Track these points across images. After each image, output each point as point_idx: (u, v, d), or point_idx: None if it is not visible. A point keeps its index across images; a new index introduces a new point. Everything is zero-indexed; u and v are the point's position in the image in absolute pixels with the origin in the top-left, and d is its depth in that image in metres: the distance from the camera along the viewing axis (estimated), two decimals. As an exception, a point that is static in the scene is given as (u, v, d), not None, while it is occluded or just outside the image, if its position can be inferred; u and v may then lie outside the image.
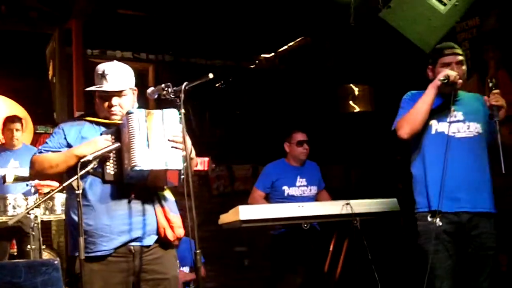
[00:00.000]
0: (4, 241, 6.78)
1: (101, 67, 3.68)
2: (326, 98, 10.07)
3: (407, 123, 4.21)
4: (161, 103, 3.65)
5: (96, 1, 7.93)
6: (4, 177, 6.29)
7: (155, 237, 3.63)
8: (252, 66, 10.50)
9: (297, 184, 6.25)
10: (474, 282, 4.12)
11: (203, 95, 9.40)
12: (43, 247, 6.31)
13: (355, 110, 9.88)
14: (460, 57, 4.28)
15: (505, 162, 3.99)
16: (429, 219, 4.14)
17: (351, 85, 9.88)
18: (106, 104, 3.64)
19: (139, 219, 3.58)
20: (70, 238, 3.69)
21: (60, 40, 8.46)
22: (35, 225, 6.34)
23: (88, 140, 3.59)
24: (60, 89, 8.44)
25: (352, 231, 5.45)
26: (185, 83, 3.52)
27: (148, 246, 3.61)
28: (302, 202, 5.70)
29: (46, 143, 3.70)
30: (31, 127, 8.60)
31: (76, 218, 3.48)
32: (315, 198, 6.35)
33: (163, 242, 3.67)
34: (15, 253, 6.92)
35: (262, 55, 10.44)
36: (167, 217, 3.67)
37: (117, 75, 3.65)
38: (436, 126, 4.23)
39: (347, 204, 5.32)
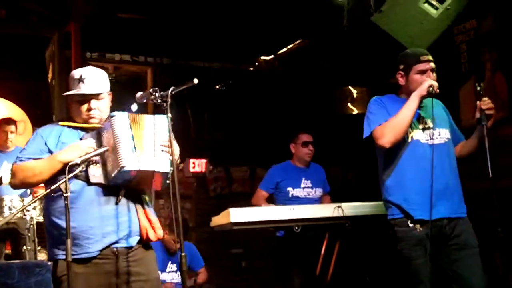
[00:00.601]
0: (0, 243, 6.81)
1: (77, 72, 3.70)
2: (324, 100, 10.09)
3: (391, 131, 4.10)
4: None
5: (95, 5, 7.97)
6: (0, 179, 6.33)
7: (137, 238, 3.64)
8: (251, 69, 10.54)
9: (302, 185, 6.29)
10: (473, 283, 4.08)
11: (202, 98, 9.45)
12: (39, 248, 6.35)
13: (353, 112, 9.91)
14: (433, 64, 4.22)
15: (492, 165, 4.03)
16: (410, 225, 4.10)
17: (350, 87, 9.91)
18: (85, 107, 3.65)
19: (122, 220, 3.59)
20: (52, 242, 3.64)
21: (59, 43, 8.50)
22: (31, 226, 6.40)
23: (68, 145, 3.59)
24: (59, 91, 8.45)
25: (344, 234, 5.48)
26: (171, 88, 3.56)
27: (131, 247, 3.62)
28: (307, 205, 5.76)
29: (25, 149, 3.67)
30: (30, 129, 8.65)
31: (59, 221, 3.50)
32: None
33: (144, 243, 3.69)
34: (11, 254, 6.94)
35: (262, 58, 10.47)
36: (148, 218, 3.69)
37: (94, 79, 3.68)
38: (411, 133, 4.19)
39: (339, 207, 5.33)
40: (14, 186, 3.73)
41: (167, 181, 3.56)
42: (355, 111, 9.88)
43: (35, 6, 8.16)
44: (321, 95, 10.09)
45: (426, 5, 5.62)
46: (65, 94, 3.71)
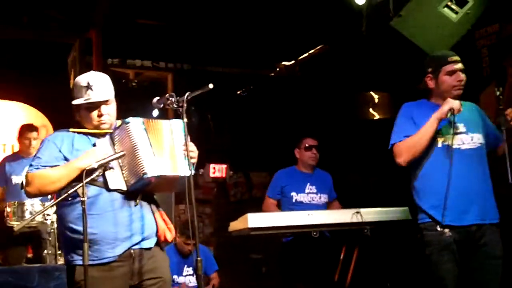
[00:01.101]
0: (20, 246, 6.84)
1: (83, 79, 3.69)
2: (345, 106, 10.07)
3: (408, 152, 4.16)
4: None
5: (115, 11, 8.02)
6: (22, 183, 6.38)
7: (155, 240, 3.69)
8: (271, 74, 10.54)
9: (306, 190, 6.24)
10: None
11: (223, 103, 9.47)
12: (59, 252, 6.38)
13: (374, 118, 9.87)
14: (462, 65, 4.26)
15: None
16: (439, 229, 4.09)
17: (371, 92, 9.87)
18: (95, 113, 3.67)
19: (140, 224, 3.62)
20: (69, 247, 3.64)
21: (80, 49, 8.55)
22: (51, 230, 6.44)
23: (82, 151, 3.61)
24: (80, 97, 8.53)
25: (363, 240, 5.45)
26: (187, 93, 3.59)
27: (148, 248, 3.66)
28: (310, 210, 5.69)
29: (39, 157, 3.65)
30: (52, 135, 8.72)
31: (76, 226, 3.52)
32: (326, 207, 6.31)
33: (159, 243, 3.74)
34: (32, 258, 7.00)
35: (282, 63, 10.47)
36: (164, 220, 3.75)
37: (101, 85, 3.69)
38: (441, 139, 4.19)
39: (357, 212, 5.29)
40: (30, 194, 3.71)
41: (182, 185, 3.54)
42: (377, 116, 9.83)
43: (56, 13, 8.22)
44: (342, 100, 10.06)
45: (445, 9, 5.59)
46: (74, 103, 3.69)
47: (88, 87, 3.64)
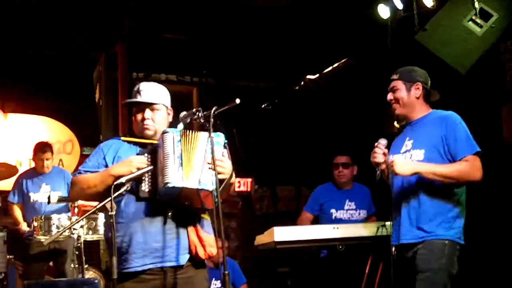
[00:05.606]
0: (41, 261, 6.87)
1: (137, 85, 3.84)
2: (370, 119, 10.03)
3: None
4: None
5: (141, 26, 8.09)
6: (49, 198, 6.45)
7: (187, 256, 3.66)
8: (296, 88, 10.56)
9: (346, 207, 6.22)
10: None
11: (248, 117, 9.48)
12: (86, 266, 6.42)
13: (399, 131, 9.81)
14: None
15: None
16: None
17: (396, 106, 9.81)
18: (139, 117, 3.75)
19: (171, 237, 3.62)
20: (108, 253, 3.74)
21: (106, 64, 8.64)
22: (78, 244, 6.48)
23: (123, 160, 3.66)
24: (106, 111, 8.59)
25: (388, 254, 5.42)
26: (214, 108, 3.58)
27: (180, 266, 3.64)
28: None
29: (86, 162, 3.80)
30: (77, 149, 8.80)
31: (109, 234, 3.54)
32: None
33: (195, 260, 3.69)
34: (55, 272, 7.03)
35: (307, 77, 10.48)
36: (199, 236, 3.69)
37: (150, 91, 3.79)
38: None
39: (383, 226, 5.28)
40: (72, 197, 3.87)
41: (215, 200, 3.50)
42: (402, 130, 9.77)
43: (82, 28, 8.29)
44: (366, 114, 10.04)
45: (470, 23, 5.59)
46: (122, 102, 3.84)
47: (138, 91, 3.78)
